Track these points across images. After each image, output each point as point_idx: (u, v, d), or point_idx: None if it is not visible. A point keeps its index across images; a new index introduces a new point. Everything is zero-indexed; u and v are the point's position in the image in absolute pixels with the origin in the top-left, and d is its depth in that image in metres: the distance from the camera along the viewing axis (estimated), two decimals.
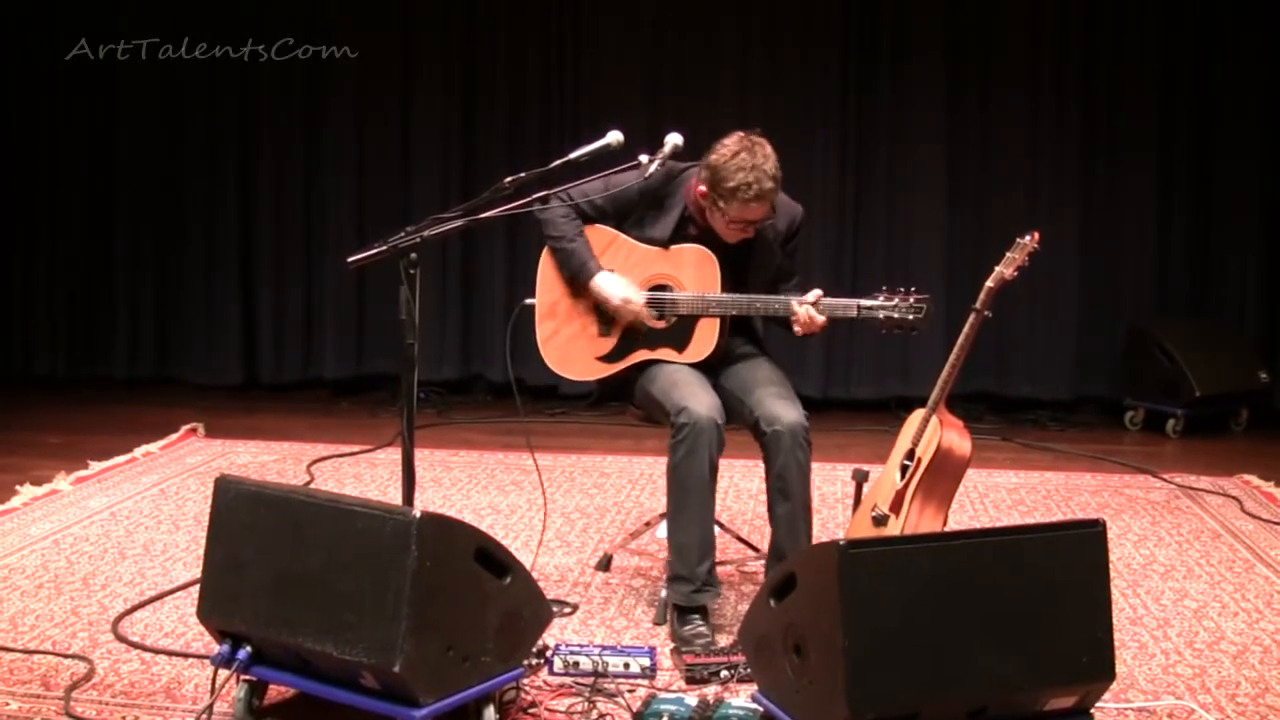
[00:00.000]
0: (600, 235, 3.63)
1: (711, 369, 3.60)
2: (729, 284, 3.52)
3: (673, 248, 3.57)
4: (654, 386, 3.51)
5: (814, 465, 3.49)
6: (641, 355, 3.59)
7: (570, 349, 3.65)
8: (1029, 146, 6.68)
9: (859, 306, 3.39)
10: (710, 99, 6.68)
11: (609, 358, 3.62)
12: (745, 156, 3.35)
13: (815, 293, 3.43)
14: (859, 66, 6.72)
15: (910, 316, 3.36)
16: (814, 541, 3.50)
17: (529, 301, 3.69)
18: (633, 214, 3.61)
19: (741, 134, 3.42)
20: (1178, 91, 6.59)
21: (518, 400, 3.82)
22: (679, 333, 3.55)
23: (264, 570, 2.75)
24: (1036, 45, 6.64)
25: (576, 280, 3.60)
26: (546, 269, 3.67)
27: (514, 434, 6.03)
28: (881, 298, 3.38)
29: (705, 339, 3.53)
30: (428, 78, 6.95)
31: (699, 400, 3.36)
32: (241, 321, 7.14)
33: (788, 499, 3.41)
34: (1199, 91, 6.57)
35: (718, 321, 3.52)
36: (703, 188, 3.45)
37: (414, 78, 6.96)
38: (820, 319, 3.41)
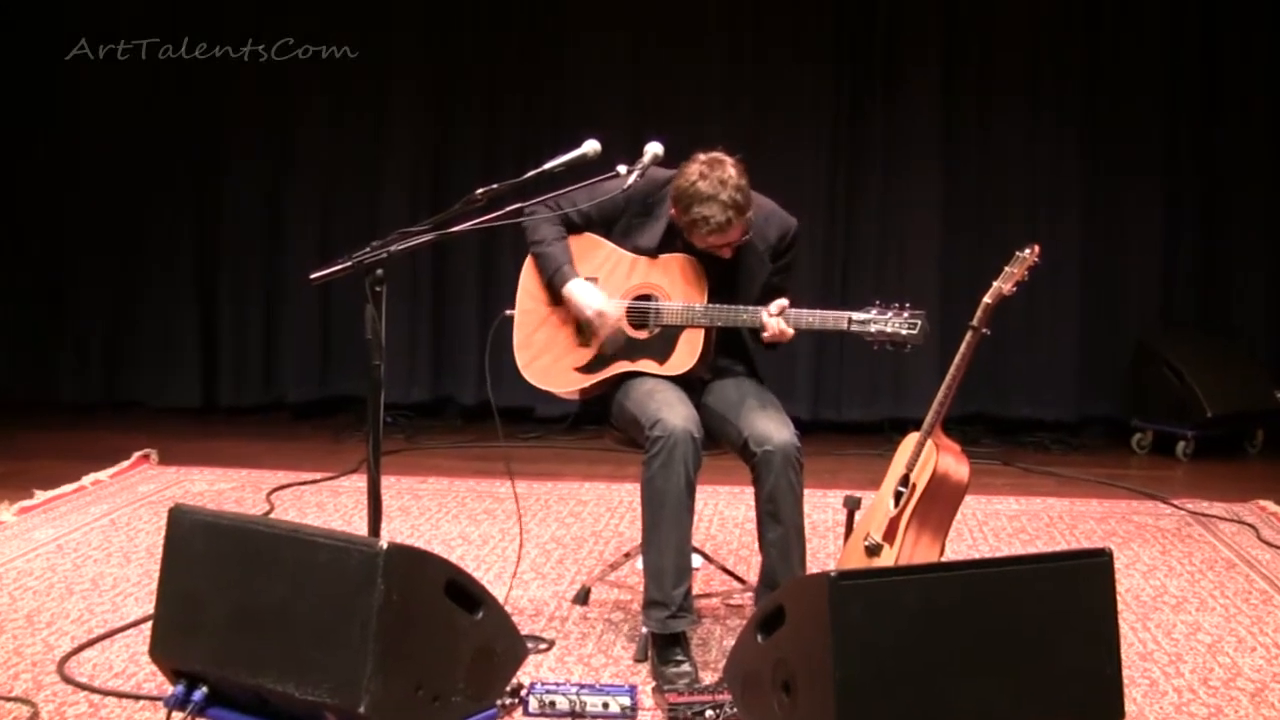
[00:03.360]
0: (585, 243, 3.68)
1: (697, 387, 3.63)
2: (719, 295, 3.54)
3: (660, 257, 3.61)
4: (629, 400, 3.53)
5: (805, 490, 3.49)
6: (621, 367, 3.60)
7: (547, 359, 3.67)
8: (1029, 156, 6.73)
9: (850, 319, 3.40)
10: (695, 108, 6.70)
11: (588, 368, 3.64)
12: (702, 186, 3.37)
13: (780, 303, 3.45)
14: (853, 70, 6.76)
15: (904, 331, 3.37)
16: (806, 570, 3.51)
17: (509, 313, 3.71)
18: (620, 221, 3.65)
19: (703, 157, 3.44)
20: (1182, 99, 6.65)
21: (497, 420, 3.81)
22: (661, 344, 3.57)
23: (221, 606, 2.74)
24: (1036, 52, 6.70)
25: (553, 286, 3.64)
26: (528, 276, 3.72)
27: (486, 460, 6.02)
28: (874, 311, 3.40)
29: (688, 351, 3.55)
30: (399, 85, 6.96)
31: (675, 412, 3.39)
32: (199, 341, 7.13)
33: (779, 523, 3.43)
34: (1204, 100, 6.64)
35: (702, 334, 3.54)
36: (673, 210, 3.49)
37: (384, 85, 6.97)
38: (789, 331, 3.43)
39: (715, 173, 3.38)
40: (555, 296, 3.66)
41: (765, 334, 3.46)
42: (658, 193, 3.58)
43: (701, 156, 3.44)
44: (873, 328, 3.38)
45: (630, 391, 3.55)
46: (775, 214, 3.65)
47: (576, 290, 3.60)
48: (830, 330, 3.46)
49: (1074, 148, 6.69)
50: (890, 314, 3.38)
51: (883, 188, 6.81)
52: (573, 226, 3.68)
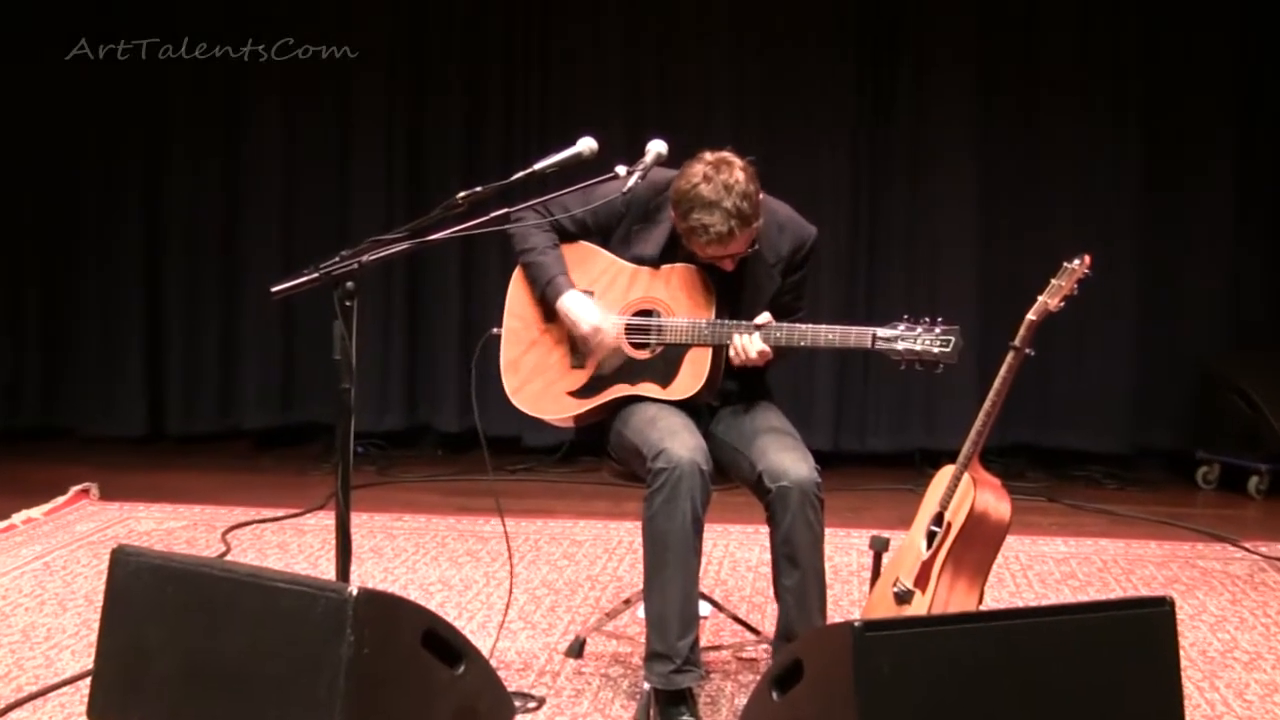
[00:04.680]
0: (580, 252, 3.69)
1: (705, 413, 3.63)
2: (725, 310, 3.55)
3: (663, 268, 3.61)
4: (629, 428, 3.54)
5: (826, 530, 3.50)
6: (620, 390, 3.61)
7: (537, 382, 3.68)
8: (1077, 156, 6.73)
9: (874, 337, 3.40)
10: (701, 101, 6.74)
11: (582, 393, 3.65)
12: (704, 190, 3.36)
13: (764, 316, 3.47)
14: (875, 58, 6.77)
15: (935, 349, 3.37)
16: (827, 620, 3.51)
17: (495, 331, 3.72)
18: (619, 229, 3.66)
19: (709, 157, 3.43)
20: (1255, 90, 6.63)
21: (485, 449, 3.80)
22: (663, 365, 3.58)
23: (170, 660, 2.74)
24: (1086, 39, 6.69)
25: (545, 300, 3.65)
26: (517, 289, 3.73)
27: (468, 494, 6.02)
28: (901, 327, 3.39)
29: (693, 374, 3.55)
30: (368, 79, 6.98)
31: (680, 441, 3.39)
32: (145, 360, 7.13)
33: (797, 567, 3.43)
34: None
35: (709, 354, 3.55)
36: (672, 213, 3.49)
37: (351, 79, 6.98)
38: (755, 350, 3.43)
39: (721, 176, 3.37)
40: (547, 313, 3.67)
41: (733, 357, 3.47)
42: (659, 196, 3.58)
43: (708, 156, 3.44)
44: (900, 345, 3.38)
45: (630, 418, 3.56)
46: (791, 223, 3.65)
47: (570, 305, 3.61)
48: (853, 349, 3.46)
49: (1129, 146, 6.68)
50: (920, 330, 3.38)
51: (911, 191, 6.81)
52: (566, 234, 3.69)
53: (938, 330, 3.37)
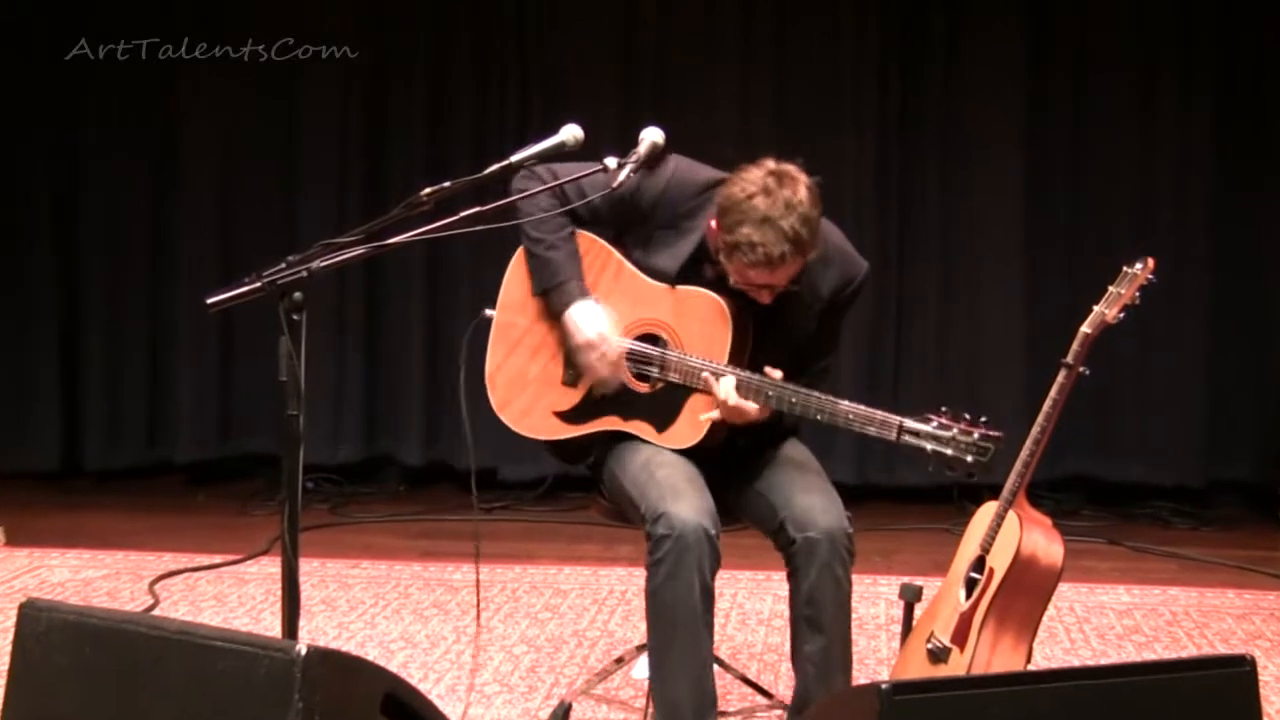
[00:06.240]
0: (586, 247, 3.63)
1: (712, 452, 3.58)
2: (741, 351, 3.48)
3: (679, 289, 3.54)
4: (624, 473, 3.52)
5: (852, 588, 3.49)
6: (611, 423, 3.60)
7: (522, 392, 3.67)
8: (1142, 147, 6.74)
9: (901, 428, 3.32)
10: (702, 88, 6.77)
11: (570, 416, 3.64)
12: (761, 203, 3.26)
13: (776, 373, 3.40)
14: (904, 46, 6.80)
15: (969, 458, 3.27)
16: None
17: (489, 312, 3.71)
18: (637, 228, 3.59)
19: (772, 166, 3.34)
20: None
21: (473, 470, 3.76)
22: (664, 405, 3.55)
23: None
24: (1151, 11, 6.70)
25: (547, 301, 3.60)
26: (517, 274, 3.69)
27: (435, 536, 6.02)
28: (935, 423, 3.30)
29: (693, 424, 3.51)
30: (317, 65, 6.96)
31: (684, 503, 3.35)
32: (59, 383, 7.13)
33: (820, 632, 3.42)
34: None
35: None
36: (713, 223, 3.41)
37: (296, 64, 6.97)
38: (748, 408, 3.38)
39: (783, 191, 3.28)
40: (548, 313, 3.62)
41: (718, 411, 3.42)
42: (695, 200, 3.52)
43: (770, 164, 3.34)
44: (928, 446, 3.29)
45: (625, 460, 3.54)
46: (840, 255, 3.57)
47: (580, 316, 3.53)
48: (873, 437, 3.37)
49: (1202, 135, 6.69)
50: (955, 430, 3.28)
51: (944, 195, 6.84)
52: (579, 222, 3.62)
53: (976, 435, 3.27)
